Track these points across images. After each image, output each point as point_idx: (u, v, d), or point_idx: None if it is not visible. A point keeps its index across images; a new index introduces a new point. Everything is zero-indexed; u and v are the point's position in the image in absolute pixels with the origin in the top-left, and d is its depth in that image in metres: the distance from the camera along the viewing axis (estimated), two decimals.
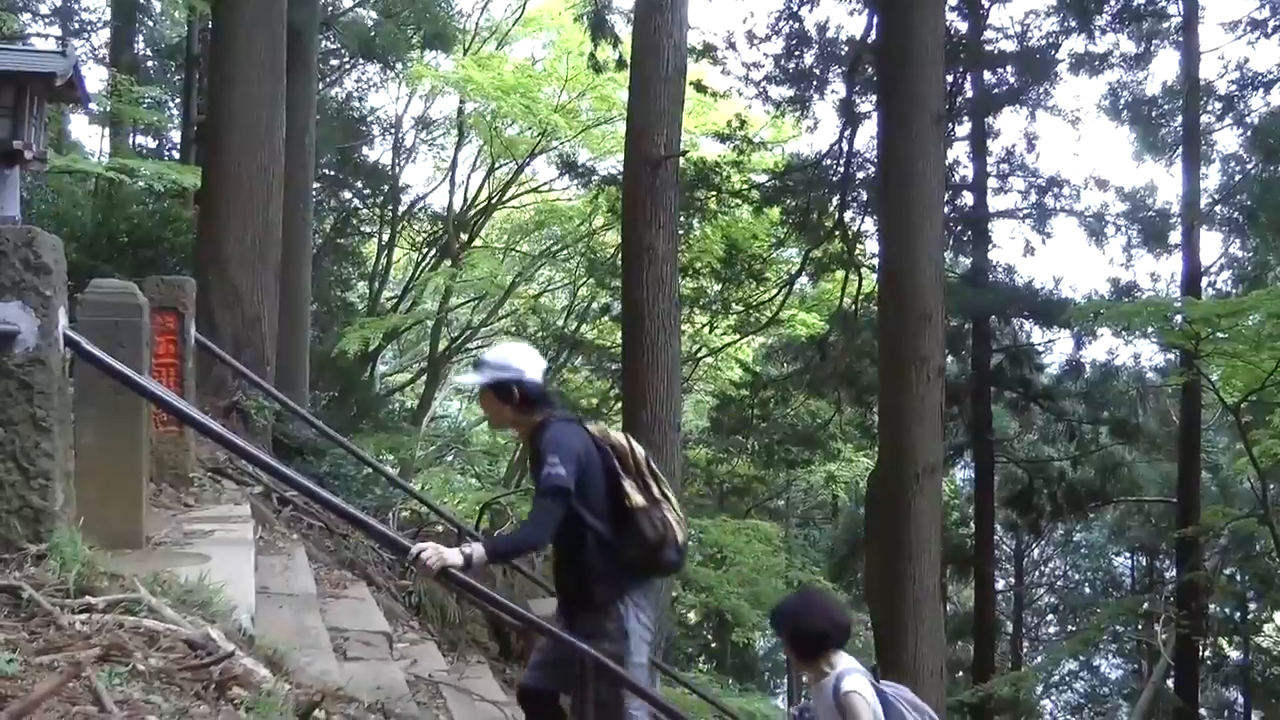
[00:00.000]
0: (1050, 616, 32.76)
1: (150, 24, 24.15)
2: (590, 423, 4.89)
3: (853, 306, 18.75)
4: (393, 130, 27.71)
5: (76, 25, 24.33)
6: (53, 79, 7.91)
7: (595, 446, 4.63)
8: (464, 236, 26.80)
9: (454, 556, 4.22)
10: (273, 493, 8.28)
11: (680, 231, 16.49)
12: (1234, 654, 26.24)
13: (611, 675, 4.51)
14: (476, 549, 4.33)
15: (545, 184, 27.54)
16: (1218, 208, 19.89)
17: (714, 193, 18.89)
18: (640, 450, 4.77)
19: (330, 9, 22.30)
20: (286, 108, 11.67)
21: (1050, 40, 19.36)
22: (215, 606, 3.75)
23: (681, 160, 14.08)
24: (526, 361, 4.71)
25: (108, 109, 19.61)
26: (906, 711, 4.70)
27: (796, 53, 19.06)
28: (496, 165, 26.82)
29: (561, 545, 4.63)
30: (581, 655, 4.54)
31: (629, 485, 4.61)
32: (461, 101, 25.80)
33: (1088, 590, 31.47)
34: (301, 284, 15.98)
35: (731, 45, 19.08)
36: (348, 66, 25.31)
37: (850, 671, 4.61)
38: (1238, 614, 25.47)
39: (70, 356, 3.83)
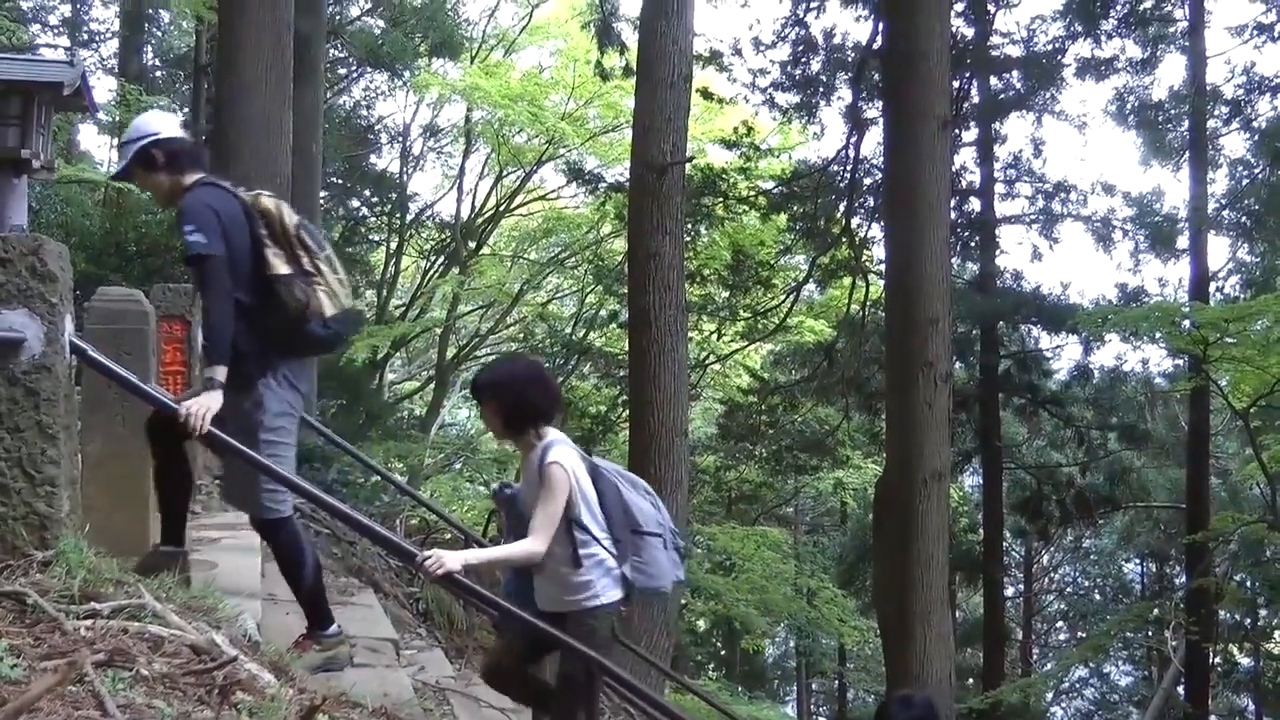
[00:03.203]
0: (1060, 623, 32.68)
1: (159, 34, 24.27)
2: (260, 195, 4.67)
3: (860, 313, 18.75)
4: (400, 138, 27.83)
5: (85, 35, 24.47)
6: (60, 88, 7.95)
7: (244, 213, 4.45)
8: (472, 244, 26.85)
9: (456, 562, 4.18)
10: None
11: (687, 238, 16.51)
12: (1244, 660, 26.12)
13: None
14: (475, 553, 4.32)
15: (553, 191, 27.60)
16: (1225, 212, 19.86)
17: (721, 199, 18.89)
18: (291, 218, 4.55)
19: (338, 18, 22.38)
20: (294, 116, 11.69)
21: (1056, 45, 19.39)
22: (221, 612, 3.76)
23: (688, 166, 14.10)
24: (159, 122, 4.61)
25: (116, 119, 19.69)
26: (620, 483, 4.57)
27: (803, 59, 19.07)
28: (504, 173, 26.89)
29: (231, 304, 4.39)
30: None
31: (271, 253, 4.42)
32: (469, 109, 25.89)
33: (1097, 596, 31.37)
34: None
35: (738, 52, 19.10)
36: (355, 75, 25.41)
37: (557, 443, 4.46)
38: (1248, 620, 25.36)
39: (77, 364, 3.84)
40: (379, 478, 10.61)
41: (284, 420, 4.53)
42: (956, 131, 18.17)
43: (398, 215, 27.31)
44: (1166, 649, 19.71)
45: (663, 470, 12.19)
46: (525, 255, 28.65)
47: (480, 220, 27.40)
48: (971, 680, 24.10)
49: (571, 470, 4.42)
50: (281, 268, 4.43)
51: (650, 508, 4.63)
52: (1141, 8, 18.93)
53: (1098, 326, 17.59)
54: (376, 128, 26.90)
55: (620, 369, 21.03)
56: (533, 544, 4.34)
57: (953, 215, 16.33)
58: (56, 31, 24.39)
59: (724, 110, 20.63)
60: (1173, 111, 20.43)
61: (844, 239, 18.67)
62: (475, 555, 4.41)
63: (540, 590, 4.61)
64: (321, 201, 19.56)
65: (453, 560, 4.23)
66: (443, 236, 28.09)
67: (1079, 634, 29.79)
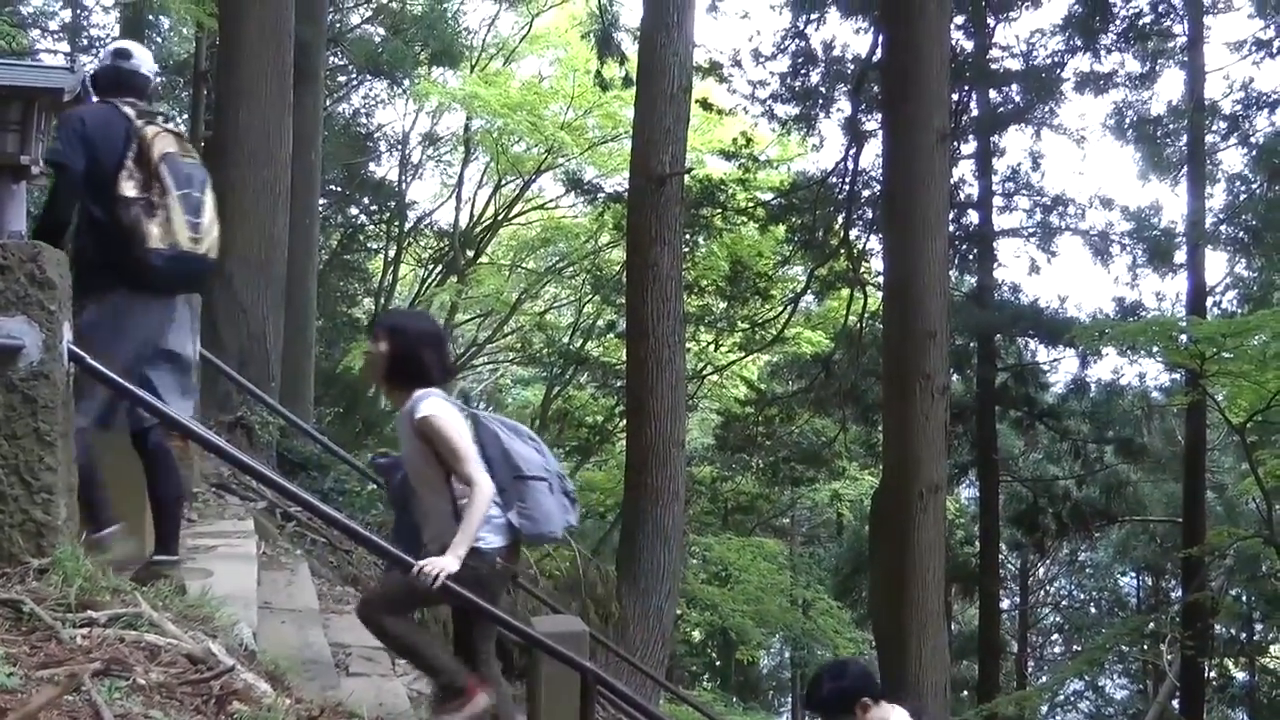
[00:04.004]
0: (1055, 636, 32.64)
1: (159, 40, 24.24)
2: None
3: (858, 324, 18.75)
4: (399, 146, 27.78)
5: (85, 41, 24.43)
6: (60, 94, 7.92)
7: (124, 134, 4.55)
8: (470, 253, 26.83)
9: (452, 563, 4.19)
10: (276, 508, 8.27)
11: (686, 249, 16.50)
12: (1239, 675, 26.09)
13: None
14: (456, 548, 4.29)
15: (551, 201, 27.59)
16: (1223, 227, 19.86)
17: (719, 210, 18.89)
18: (161, 150, 4.59)
19: (338, 25, 22.37)
20: (293, 123, 11.69)
21: (1055, 59, 19.41)
22: (217, 621, 3.75)
23: (687, 178, 14.11)
24: (114, 48, 4.92)
25: None
26: (500, 430, 4.55)
27: (802, 71, 19.10)
28: (503, 182, 26.87)
29: (58, 224, 4.55)
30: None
31: (125, 174, 4.49)
32: (468, 118, 25.88)
33: (1093, 610, 31.35)
34: (307, 299, 15.98)
35: (737, 63, 19.11)
36: (355, 82, 25.38)
37: (428, 395, 4.44)
38: (1243, 635, 25.34)
39: (74, 371, 3.84)
40: (375, 486, 10.60)
41: (111, 347, 4.45)
42: (955, 144, 18.18)
43: (396, 223, 27.28)
44: (1162, 663, 19.65)
45: (659, 481, 12.20)
46: (523, 264, 28.64)
47: (479, 229, 27.38)
48: (966, 693, 24.06)
49: (450, 418, 4.41)
50: (129, 190, 4.50)
51: (534, 453, 4.58)
52: (1141, 22, 18.94)
53: (1095, 340, 17.58)
54: (376, 135, 26.85)
55: (618, 379, 21.02)
56: (479, 487, 4.31)
57: (951, 228, 16.37)
58: (56, 37, 24.36)
59: (723, 121, 20.65)
60: (1171, 126, 20.46)
61: (842, 251, 18.69)
62: (459, 544, 4.37)
63: (428, 548, 4.57)
64: (320, 209, 19.55)
65: (449, 563, 4.21)
66: (441, 245, 28.06)
67: (1074, 647, 29.76)
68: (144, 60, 4.91)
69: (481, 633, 4.69)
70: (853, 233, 18.85)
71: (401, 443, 4.62)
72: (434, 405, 4.40)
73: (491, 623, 4.59)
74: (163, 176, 4.56)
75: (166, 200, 4.55)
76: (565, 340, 26.30)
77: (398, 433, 4.70)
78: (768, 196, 19.88)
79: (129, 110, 4.68)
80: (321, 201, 20.25)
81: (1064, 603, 32.63)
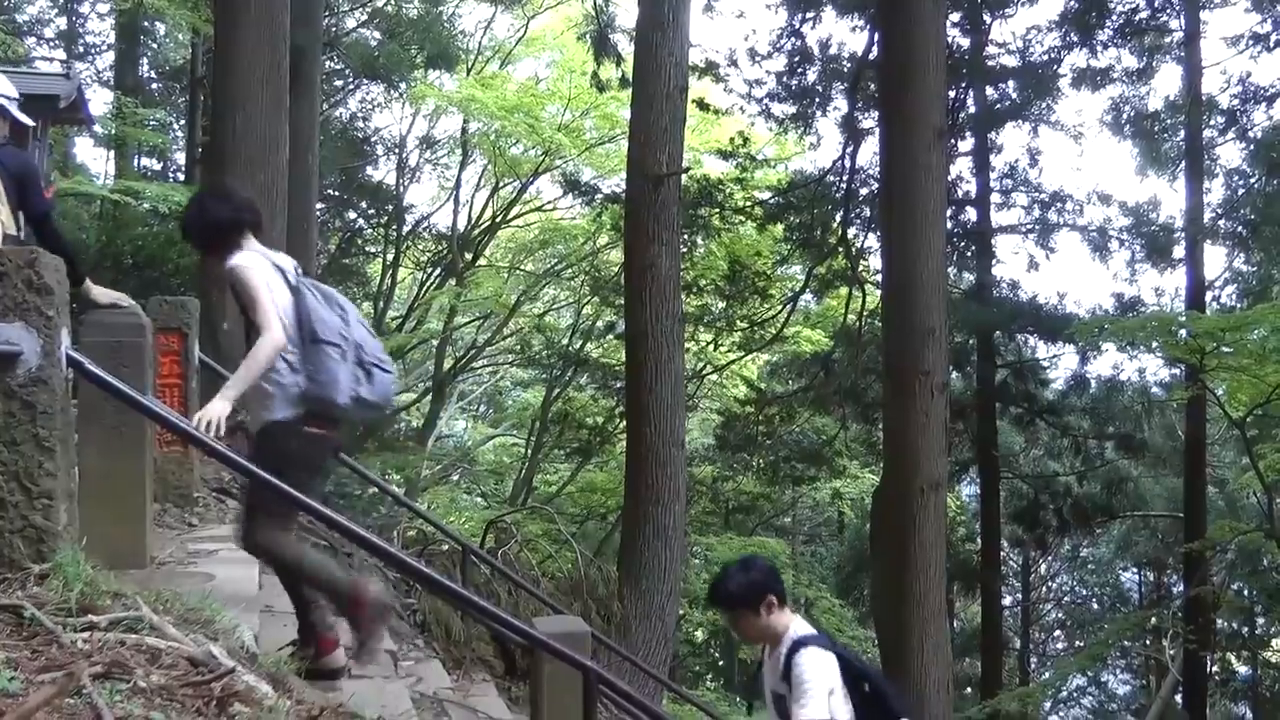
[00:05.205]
0: (1058, 632, 32.65)
1: (154, 46, 24.27)
2: None
3: (857, 322, 18.75)
4: (397, 150, 27.82)
5: (81, 49, 24.46)
6: (57, 101, 7.95)
7: None
8: (468, 256, 26.85)
9: (224, 405, 4.24)
10: None
11: (684, 249, 16.50)
12: (1242, 669, 26.11)
13: None
14: (226, 391, 4.35)
15: (549, 203, 27.63)
16: (1221, 222, 19.85)
17: (717, 210, 18.90)
18: None
19: (334, 29, 22.39)
20: (290, 128, 11.69)
21: (1052, 55, 19.41)
22: (218, 624, 3.75)
23: (684, 177, 14.12)
24: None
25: (112, 131, 19.69)
26: (311, 293, 4.59)
27: (799, 69, 19.12)
28: (500, 184, 26.90)
29: None
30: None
31: None
32: (465, 121, 25.90)
33: (1095, 605, 31.37)
34: None
35: (734, 63, 19.14)
36: (351, 87, 25.41)
37: (245, 251, 4.51)
38: (1245, 629, 25.37)
39: (73, 377, 3.84)
40: (376, 489, 10.61)
41: None
42: (952, 141, 18.21)
43: (394, 227, 27.30)
44: (1164, 658, 19.71)
45: (660, 481, 12.20)
46: (522, 267, 28.66)
47: (477, 231, 27.40)
48: (969, 690, 24.08)
49: (258, 269, 4.44)
50: None
51: (336, 320, 4.59)
52: (1137, 18, 18.96)
53: (1094, 336, 17.58)
54: (373, 139, 26.88)
55: (617, 380, 21.02)
56: (266, 337, 4.34)
57: (949, 225, 16.38)
58: (52, 45, 24.39)
59: (720, 121, 20.66)
60: (1169, 121, 20.45)
61: (840, 249, 18.69)
62: (230, 387, 4.38)
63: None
64: (318, 213, 19.54)
65: (217, 406, 4.25)
66: (439, 248, 28.08)
67: (1077, 643, 29.78)
68: None
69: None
70: (851, 231, 18.86)
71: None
72: (241, 257, 4.45)
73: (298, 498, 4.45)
74: None
75: None
76: (564, 342, 26.31)
77: None
78: (765, 195, 19.91)
79: None
80: (319, 206, 20.26)
81: (1066, 598, 32.67)
